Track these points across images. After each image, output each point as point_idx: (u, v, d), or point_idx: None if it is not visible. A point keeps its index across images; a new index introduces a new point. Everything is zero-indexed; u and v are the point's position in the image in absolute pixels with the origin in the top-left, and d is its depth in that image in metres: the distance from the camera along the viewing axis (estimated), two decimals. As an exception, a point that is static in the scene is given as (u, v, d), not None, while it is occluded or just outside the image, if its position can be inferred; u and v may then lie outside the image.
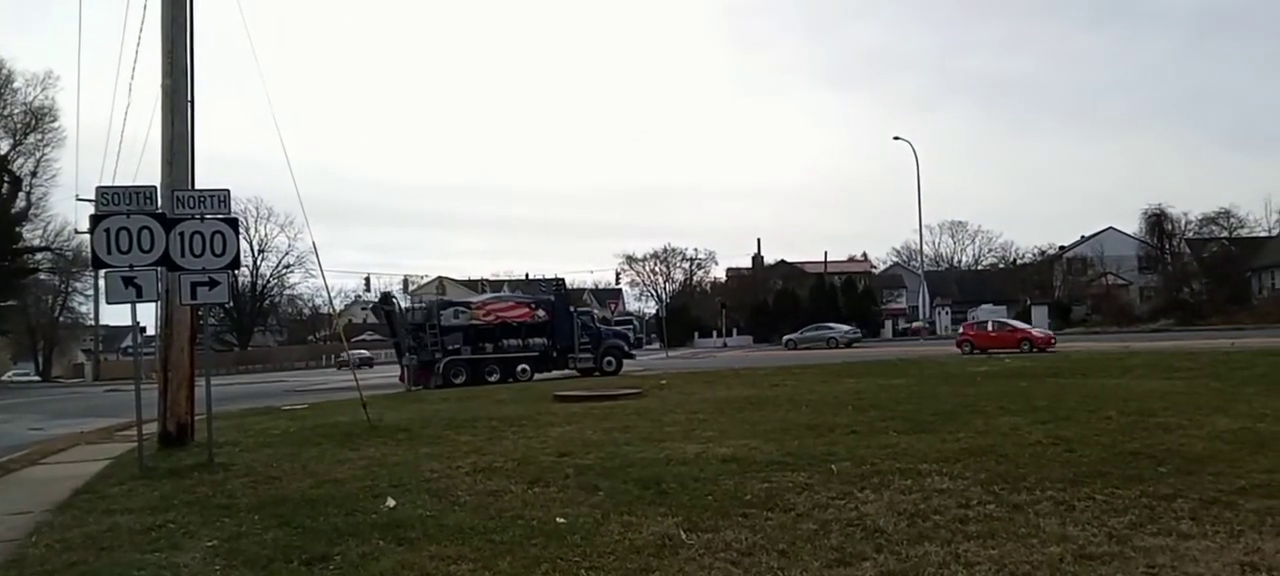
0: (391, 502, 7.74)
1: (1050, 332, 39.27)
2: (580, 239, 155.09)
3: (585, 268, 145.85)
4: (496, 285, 79.50)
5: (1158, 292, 71.62)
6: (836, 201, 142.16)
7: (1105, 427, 10.30)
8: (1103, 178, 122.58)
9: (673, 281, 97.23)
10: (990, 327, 40.44)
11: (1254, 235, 72.73)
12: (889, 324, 78.97)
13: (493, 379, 29.88)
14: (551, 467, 9.22)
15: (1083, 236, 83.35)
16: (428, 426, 13.92)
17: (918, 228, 69.24)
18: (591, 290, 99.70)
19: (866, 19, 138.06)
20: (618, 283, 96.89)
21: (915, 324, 73.86)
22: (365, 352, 74.66)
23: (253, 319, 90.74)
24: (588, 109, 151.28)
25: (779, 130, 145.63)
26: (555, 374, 31.81)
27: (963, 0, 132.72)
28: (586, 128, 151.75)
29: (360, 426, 14.13)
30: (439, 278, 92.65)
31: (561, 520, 6.79)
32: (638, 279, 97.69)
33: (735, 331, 78.02)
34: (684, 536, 6.15)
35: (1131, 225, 76.56)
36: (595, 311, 38.20)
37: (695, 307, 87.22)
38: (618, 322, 40.95)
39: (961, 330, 40.63)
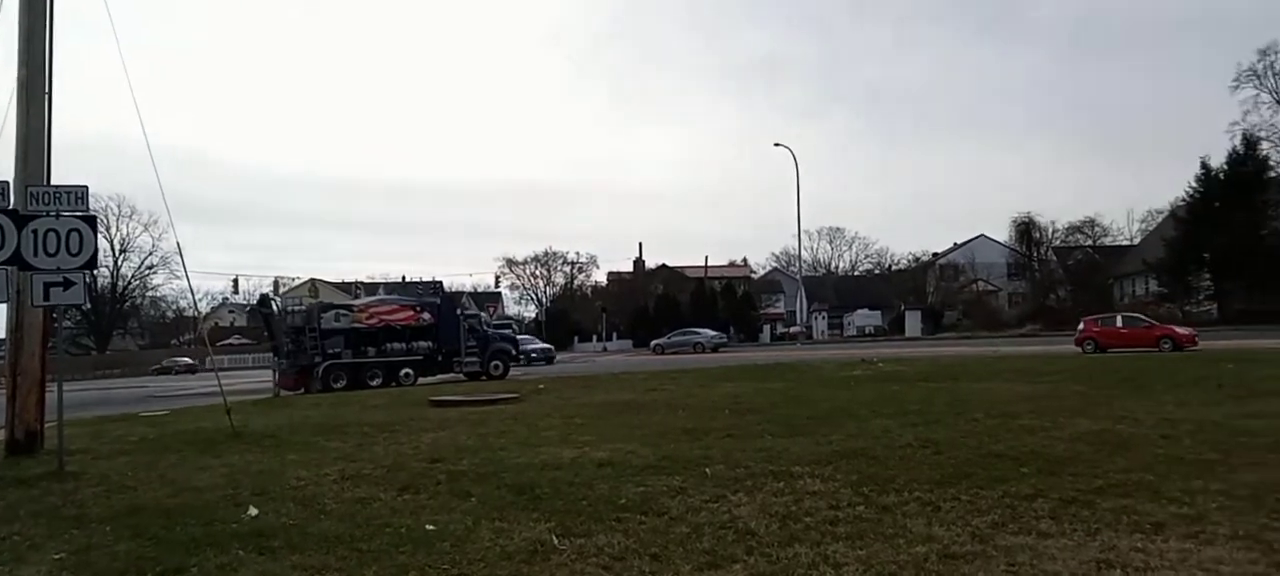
0: (254, 511, 7.45)
1: (1192, 329, 34.23)
2: (459, 241, 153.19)
3: (464, 270, 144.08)
4: (372, 288, 77.55)
5: (1026, 298, 75.20)
6: (718, 206, 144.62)
7: (972, 430, 10.61)
8: (976, 186, 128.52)
9: (554, 285, 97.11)
10: (1119, 323, 34.76)
11: (1116, 243, 77.32)
12: (767, 328, 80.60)
13: (374, 383, 29.34)
14: (423, 474, 8.98)
15: (955, 243, 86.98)
16: (296, 432, 13.41)
17: (797, 233, 70.39)
18: (470, 293, 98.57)
19: (752, 26, 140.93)
20: (497, 286, 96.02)
21: (793, 328, 75.55)
22: (188, 359, 71.85)
23: (112, 321, 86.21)
24: (469, 108, 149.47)
25: (662, 134, 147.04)
26: (440, 378, 31.36)
27: (847, 10, 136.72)
28: (466, 128, 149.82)
29: (223, 433, 13.51)
30: (312, 280, 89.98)
31: (431, 527, 6.59)
32: (518, 282, 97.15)
33: (615, 335, 78.28)
34: (556, 542, 6.05)
35: (1002, 233, 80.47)
36: (482, 315, 37.49)
37: (576, 311, 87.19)
38: (497, 326, 40.45)
39: (1083, 326, 34.55)
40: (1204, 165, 54.99)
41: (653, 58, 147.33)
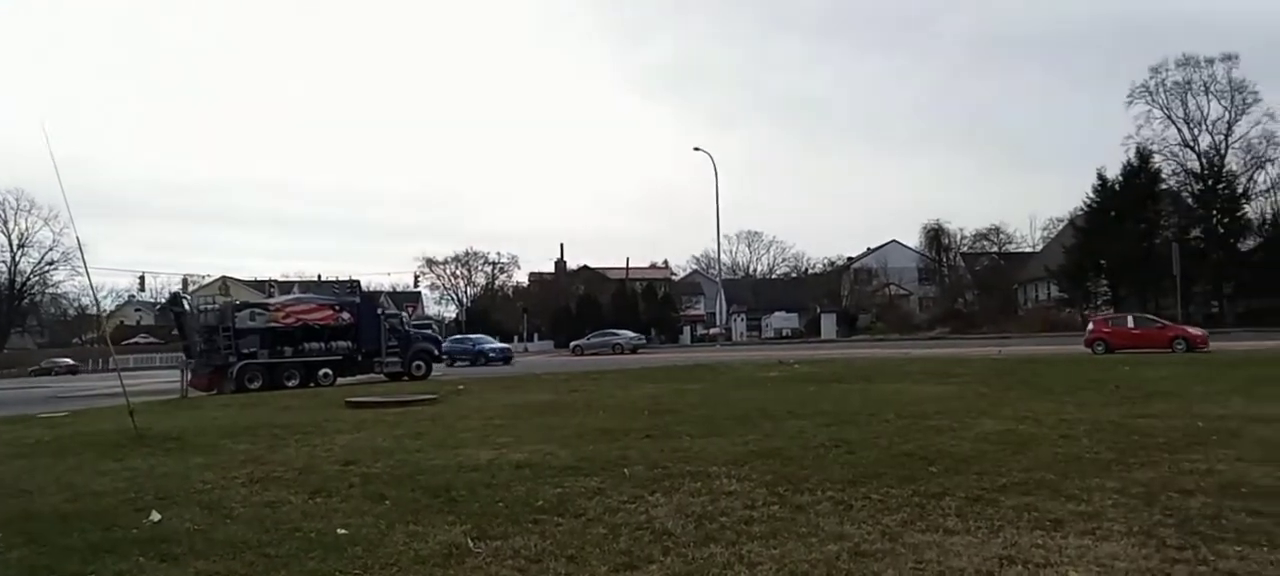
0: (156, 516, 7.21)
1: (1204, 331, 33.19)
2: (377, 240, 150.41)
3: (382, 270, 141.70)
4: (287, 286, 75.67)
5: (936, 302, 77.34)
6: (640, 209, 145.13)
7: (884, 430, 10.86)
8: (889, 193, 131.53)
9: (474, 285, 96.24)
10: (1131, 324, 33.81)
11: (1020, 250, 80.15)
12: (688, 330, 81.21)
13: (291, 383, 28.70)
14: (335, 477, 8.79)
15: (868, 248, 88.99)
16: (202, 434, 12.98)
17: (716, 237, 71.12)
18: (389, 293, 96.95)
19: (671, 31, 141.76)
20: (416, 285, 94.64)
21: (712, 330, 76.26)
22: (69, 360, 69.07)
23: (9, 320, 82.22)
24: (386, 105, 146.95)
25: (585, 136, 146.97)
26: (361, 378, 30.79)
27: (762, 19, 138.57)
28: (384, 125, 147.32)
29: (126, 435, 12.96)
30: (223, 278, 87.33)
31: (343, 531, 6.46)
32: (438, 282, 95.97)
33: (537, 336, 77.94)
34: (472, 544, 5.99)
35: (913, 239, 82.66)
36: (403, 314, 36.91)
37: (497, 312, 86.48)
38: (417, 326, 39.89)
39: (1092, 327, 33.77)
40: (1100, 176, 57.38)
41: (574, 60, 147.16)
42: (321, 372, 29.67)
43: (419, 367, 32.12)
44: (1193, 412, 11.69)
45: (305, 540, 6.26)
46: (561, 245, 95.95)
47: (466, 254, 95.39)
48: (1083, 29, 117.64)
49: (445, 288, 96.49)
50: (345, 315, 31.18)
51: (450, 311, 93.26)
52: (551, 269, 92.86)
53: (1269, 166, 55.75)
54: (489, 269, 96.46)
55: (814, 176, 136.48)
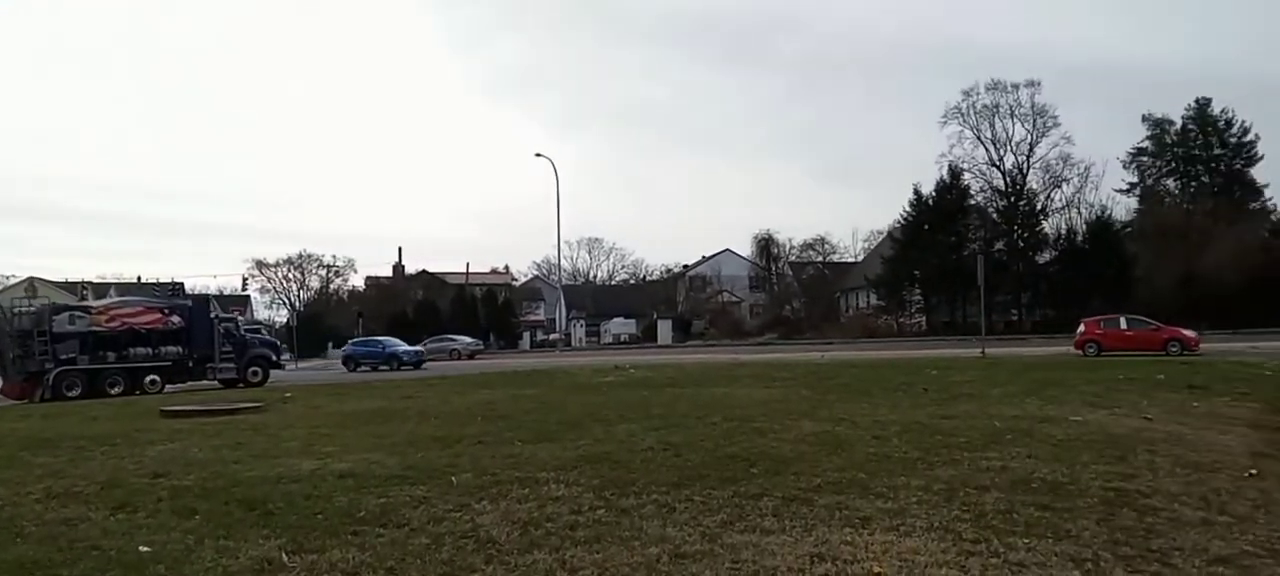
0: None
1: (1196, 333, 32.08)
2: (202, 240, 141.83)
3: (208, 271, 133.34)
4: (102, 289, 70.17)
5: (765, 309, 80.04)
6: (482, 214, 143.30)
7: (710, 433, 11.14)
8: (723, 202, 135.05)
9: (308, 289, 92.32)
10: (1124, 325, 32.47)
11: (843, 260, 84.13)
12: (527, 335, 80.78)
13: (115, 391, 27.27)
14: (143, 490, 8.27)
15: (703, 256, 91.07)
16: (-3, 446, 11.91)
17: (557, 243, 71.19)
18: (216, 296, 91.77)
19: (511, 37, 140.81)
20: (245, 288, 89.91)
21: (552, 335, 76.19)
22: None
23: None
24: (215, 102, 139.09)
25: (425, 140, 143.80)
26: (193, 385, 29.52)
27: (600, 28, 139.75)
28: (213, 122, 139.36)
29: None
30: (30, 278, 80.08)
31: (146, 549, 6.09)
32: (269, 285, 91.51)
33: (373, 341, 75.57)
34: (286, 559, 5.77)
35: (745, 248, 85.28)
36: (238, 318, 35.70)
37: (331, 316, 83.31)
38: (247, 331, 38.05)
39: (1083, 328, 32.50)
40: (916, 192, 60.96)
41: (414, 63, 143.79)
42: (149, 379, 28.46)
43: (256, 374, 31.13)
44: (991, 414, 12.58)
45: (103, 559, 5.88)
46: (399, 249, 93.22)
47: (300, 256, 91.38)
48: (904, 53, 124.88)
49: (277, 291, 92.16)
50: (175, 319, 30.01)
51: (282, 315, 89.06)
52: (390, 273, 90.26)
53: (1064, 186, 60.77)
54: (324, 272, 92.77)
55: (653, 184, 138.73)
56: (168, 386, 28.71)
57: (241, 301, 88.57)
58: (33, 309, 30.76)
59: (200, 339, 30.19)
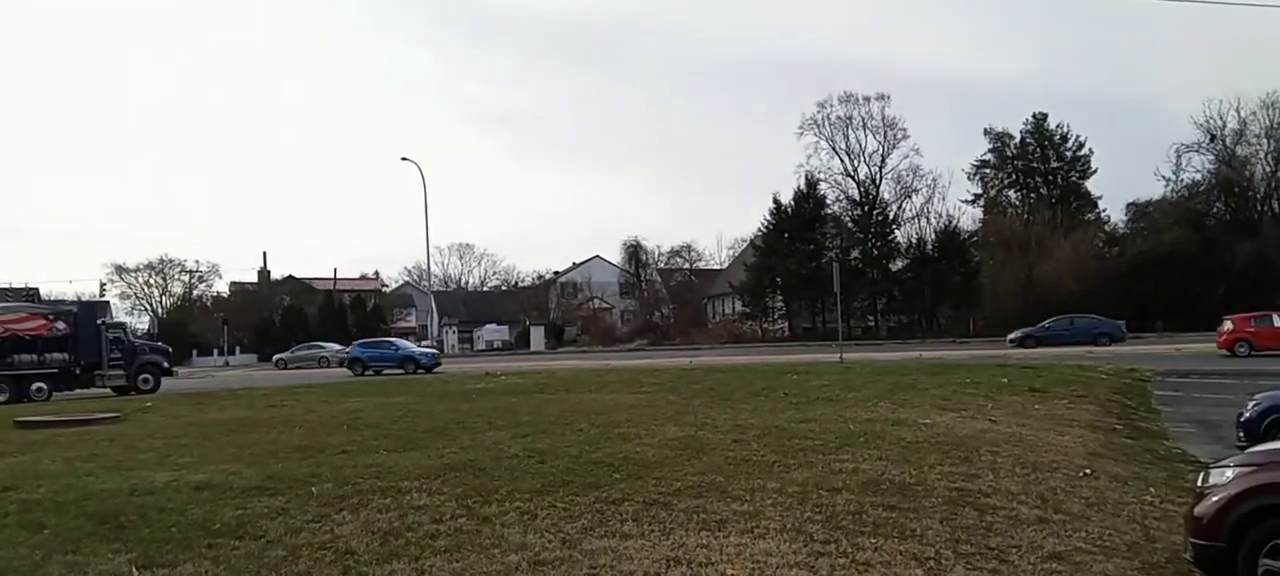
0: None
1: None
2: (54, 243, 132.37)
3: (63, 276, 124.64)
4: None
5: (635, 315, 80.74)
6: (348, 219, 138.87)
7: (577, 439, 11.23)
8: (593, 209, 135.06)
9: (171, 294, 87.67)
10: (1277, 322, 29.88)
11: (709, 267, 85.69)
12: (398, 342, 78.89)
13: (0, 398, 26.78)
14: (-12, 504, 7.78)
15: (574, 263, 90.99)
16: None
17: (426, 248, 70.09)
18: (74, 301, 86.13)
19: (380, 34, 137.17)
20: (102, 293, 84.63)
21: (423, 342, 74.82)
22: None
23: None
24: (66, 98, 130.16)
25: (288, 141, 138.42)
26: (81, 393, 28.80)
27: (467, 31, 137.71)
28: (63, 120, 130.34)
29: None
30: None
31: (-15, 566, 5.77)
32: (129, 291, 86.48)
33: (238, 349, 72.49)
34: (136, 573, 5.60)
35: (615, 254, 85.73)
36: (126, 325, 35.04)
37: (195, 323, 79.50)
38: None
39: (1231, 325, 29.75)
40: (776, 200, 62.73)
41: (277, 63, 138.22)
42: (35, 387, 27.89)
43: (146, 381, 30.51)
44: (846, 417, 13.10)
45: (-65, 580, 5.55)
46: (264, 254, 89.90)
47: (161, 261, 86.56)
48: (762, 65, 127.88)
49: (138, 296, 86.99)
50: (60, 325, 29.39)
51: (143, 322, 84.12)
52: (255, 279, 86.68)
53: (915, 196, 63.61)
54: (186, 277, 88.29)
55: (523, 191, 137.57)
56: (55, 393, 28.02)
57: (101, 307, 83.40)
58: None
59: (88, 346, 29.54)
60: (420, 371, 37.03)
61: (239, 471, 9.30)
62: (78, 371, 29.33)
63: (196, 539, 6.43)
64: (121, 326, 33.02)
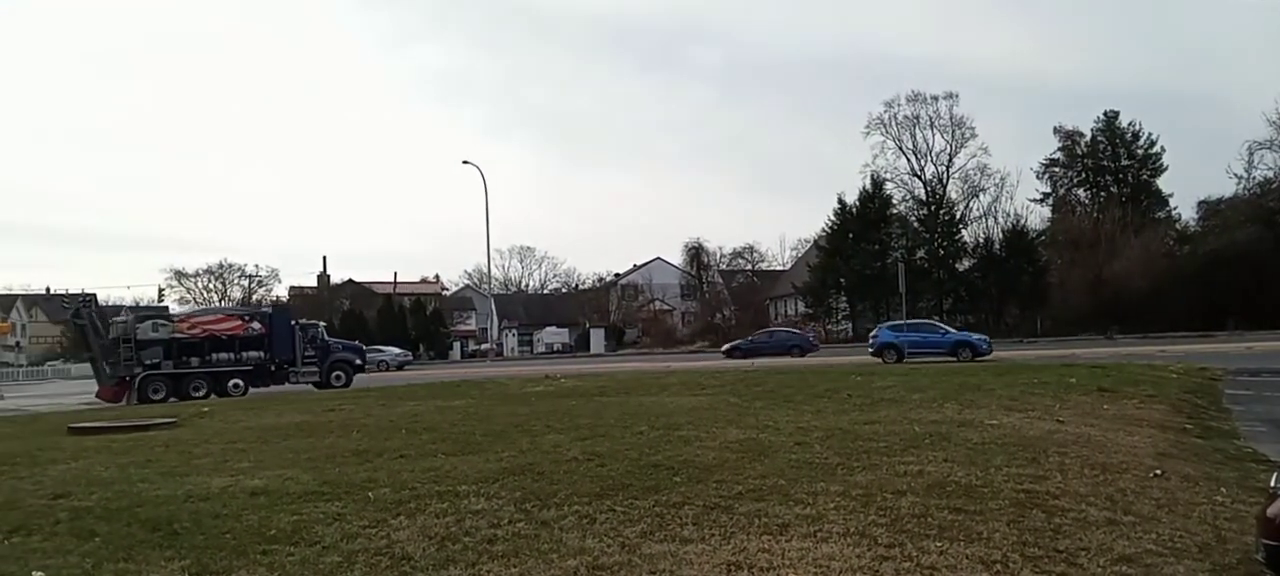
0: None
1: None
2: (114, 250, 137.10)
3: (122, 282, 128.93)
4: (7, 300, 67.52)
5: (696, 317, 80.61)
6: (408, 222, 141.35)
7: (636, 442, 11.09)
8: (653, 211, 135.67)
9: (230, 299, 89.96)
10: None
11: (772, 268, 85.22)
12: (458, 345, 79.89)
13: (198, 394, 29.23)
14: (41, 512, 7.89)
15: (635, 265, 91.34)
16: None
17: (486, 252, 70.81)
18: (130, 307, 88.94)
19: (433, 41, 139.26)
20: (161, 299, 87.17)
21: (483, 345, 75.55)
22: None
23: None
24: (126, 104, 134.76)
25: (348, 146, 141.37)
26: (275, 389, 30.61)
27: (526, 35, 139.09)
28: (122, 126, 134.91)
29: None
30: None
31: (39, 574, 5.81)
32: (188, 296, 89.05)
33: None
34: (189, 581, 5.56)
35: (676, 256, 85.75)
36: (322, 324, 36.49)
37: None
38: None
39: None
40: (840, 201, 62.28)
41: (336, 69, 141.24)
42: (232, 383, 30.10)
43: (339, 377, 32.47)
44: (911, 418, 12.79)
45: (-7, 587, 5.60)
46: (324, 258, 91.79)
47: (221, 266, 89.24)
48: (827, 65, 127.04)
49: (197, 302, 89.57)
50: (255, 325, 31.96)
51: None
52: (315, 283, 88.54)
53: (982, 195, 62.57)
54: (246, 282, 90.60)
55: (583, 193, 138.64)
56: (253, 389, 30.09)
57: (159, 312, 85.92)
58: (123, 318, 32.38)
59: (282, 345, 31.80)
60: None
61: (295, 476, 9.33)
62: (273, 369, 31.49)
63: (251, 545, 6.43)
64: (316, 325, 34.99)
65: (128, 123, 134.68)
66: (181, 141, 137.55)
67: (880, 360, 31.83)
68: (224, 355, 30.91)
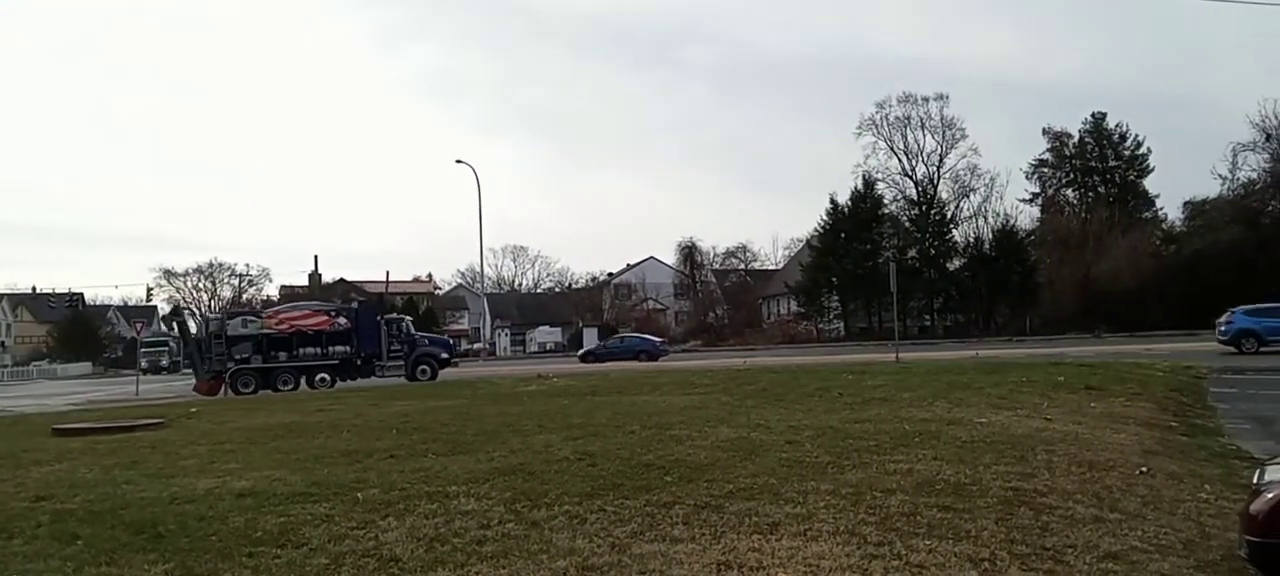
0: None
1: None
2: (102, 249, 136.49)
3: (109, 281, 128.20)
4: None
5: (690, 316, 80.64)
6: (401, 221, 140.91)
7: (628, 442, 11.06)
8: (647, 210, 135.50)
9: (220, 298, 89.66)
10: None
11: (764, 268, 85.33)
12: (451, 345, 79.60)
13: (286, 387, 30.47)
14: (21, 515, 7.82)
15: (628, 264, 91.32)
16: None
17: (479, 251, 70.70)
18: (118, 307, 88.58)
19: (426, 40, 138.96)
20: (149, 298, 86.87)
21: (476, 345, 75.40)
22: None
23: None
24: (112, 102, 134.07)
25: (340, 145, 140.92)
26: (361, 382, 31.29)
27: (521, 33, 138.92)
28: (107, 122, 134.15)
29: None
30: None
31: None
32: (177, 295, 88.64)
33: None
34: (172, 585, 5.51)
35: (669, 255, 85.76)
36: (407, 319, 37.12)
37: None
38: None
39: None
40: (833, 200, 62.39)
41: (328, 67, 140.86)
42: (319, 377, 31.29)
43: (424, 371, 32.92)
44: (902, 417, 12.80)
45: (-26, 590, 5.54)
46: (315, 257, 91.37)
47: (211, 265, 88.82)
48: (818, 65, 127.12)
49: (186, 301, 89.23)
50: (341, 320, 32.94)
51: (190, 327, 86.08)
52: (305, 282, 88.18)
53: (972, 195, 62.77)
54: (236, 281, 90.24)
55: (577, 192, 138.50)
56: (339, 382, 31.12)
57: (147, 312, 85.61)
58: (216, 316, 34.59)
59: (367, 339, 32.64)
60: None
61: (283, 477, 9.25)
62: (359, 362, 32.30)
63: (237, 548, 6.37)
64: (402, 319, 35.72)
65: (116, 120, 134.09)
66: (171, 139, 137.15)
67: (1235, 349, 28.85)
68: (311, 349, 31.79)
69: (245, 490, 8.55)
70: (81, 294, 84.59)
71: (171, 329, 40.05)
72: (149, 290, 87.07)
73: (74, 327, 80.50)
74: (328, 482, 8.79)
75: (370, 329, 33.17)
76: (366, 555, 6.02)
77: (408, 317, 37.69)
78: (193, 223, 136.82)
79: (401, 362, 33.00)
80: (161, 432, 15.35)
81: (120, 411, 23.38)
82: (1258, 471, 6.34)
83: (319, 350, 31.92)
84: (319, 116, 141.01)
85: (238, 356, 31.12)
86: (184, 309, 37.83)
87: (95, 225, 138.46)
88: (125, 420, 17.96)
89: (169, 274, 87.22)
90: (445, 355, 35.77)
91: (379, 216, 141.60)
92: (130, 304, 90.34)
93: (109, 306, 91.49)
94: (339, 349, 32.15)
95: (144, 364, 49.85)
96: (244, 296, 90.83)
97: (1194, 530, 6.93)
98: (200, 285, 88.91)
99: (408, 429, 13.74)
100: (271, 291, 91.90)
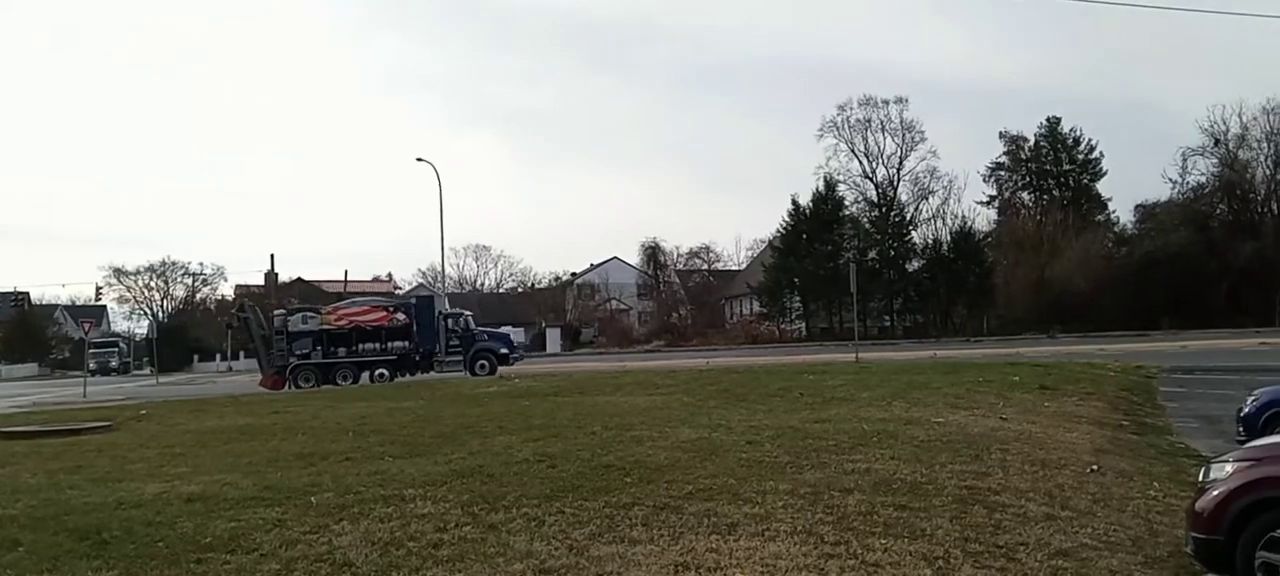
0: None
1: None
2: (49, 248, 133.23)
3: (56, 280, 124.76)
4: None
5: (653, 316, 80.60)
6: (360, 220, 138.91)
7: (589, 443, 11.00)
8: (610, 210, 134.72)
9: (173, 298, 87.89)
10: None
11: (728, 268, 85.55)
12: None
13: (345, 382, 30.52)
14: (-39, 521, 7.58)
15: (592, 264, 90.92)
16: None
17: (441, 250, 70.25)
18: (65, 306, 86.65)
19: (386, 31, 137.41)
20: (98, 298, 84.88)
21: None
22: None
23: None
24: (57, 95, 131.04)
25: (296, 141, 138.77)
26: (420, 377, 31.28)
27: (479, 31, 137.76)
28: (52, 117, 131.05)
29: None
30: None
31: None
32: (128, 294, 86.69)
33: (242, 354, 72.60)
34: (118, 592, 5.37)
35: (633, 255, 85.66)
36: (466, 314, 36.61)
37: (197, 328, 79.52)
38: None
39: None
40: (794, 202, 62.64)
41: (285, 61, 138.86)
42: (377, 372, 31.24)
43: (483, 367, 32.73)
44: (861, 416, 12.89)
45: (-90, 599, 5.36)
46: (272, 256, 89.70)
47: (164, 264, 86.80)
48: (781, 66, 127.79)
49: (137, 301, 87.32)
50: (400, 316, 32.92)
51: (142, 327, 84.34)
52: (261, 281, 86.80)
53: (931, 197, 63.44)
54: (190, 281, 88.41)
55: (539, 191, 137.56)
56: (397, 377, 30.96)
57: (96, 312, 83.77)
58: (279, 313, 34.15)
59: (425, 334, 32.63)
60: None
61: (235, 481, 9.07)
62: (417, 358, 32.24)
63: (185, 554, 6.24)
64: (462, 314, 35.69)
65: (63, 115, 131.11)
66: (120, 135, 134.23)
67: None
68: (370, 345, 31.91)
69: (195, 494, 8.37)
70: (27, 293, 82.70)
71: (238, 324, 40.99)
72: (98, 289, 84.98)
73: (19, 328, 78.42)
74: (280, 486, 8.64)
75: (429, 324, 33.27)
76: (319, 560, 5.93)
77: (467, 313, 37.30)
78: (144, 220, 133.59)
79: (460, 358, 33.03)
80: (109, 436, 15.04)
81: (67, 414, 22.85)
82: (1204, 469, 6.48)
83: (378, 345, 32.08)
84: (276, 112, 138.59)
85: (298, 352, 31.38)
86: (249, 304, 37.97)
87: (40, 222, 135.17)
88: (72, 423, 17.59)
89: (119, 272, 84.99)
90: (505, 350, 35.06)
91: (337, 215, 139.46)
92: (78, 303, 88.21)
93: (56, 306, 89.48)
94: (397, 344, 32.17)
95: (92, 365, 48.65)
96: (198, 296, 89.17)
97: (1143, 527, 7.07)
98: (152, 284, 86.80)
99: (365, 431, 13.56)
100: (226, 291, 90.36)
